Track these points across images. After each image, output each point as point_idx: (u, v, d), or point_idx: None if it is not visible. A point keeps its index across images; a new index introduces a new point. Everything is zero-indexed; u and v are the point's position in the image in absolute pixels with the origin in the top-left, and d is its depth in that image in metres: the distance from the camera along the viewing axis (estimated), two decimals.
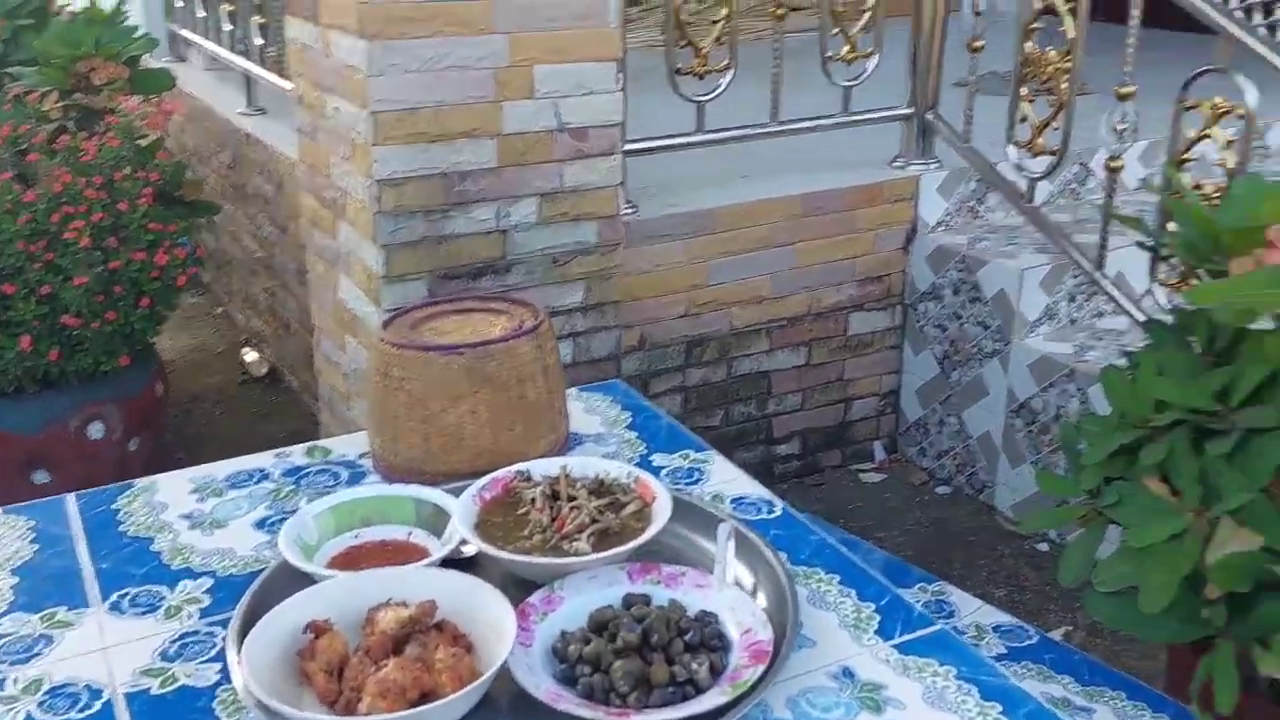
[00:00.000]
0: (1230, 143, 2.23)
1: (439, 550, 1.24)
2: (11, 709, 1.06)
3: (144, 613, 1.21)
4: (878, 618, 1.16)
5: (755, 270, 2.72)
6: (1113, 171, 2.47)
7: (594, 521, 1.22)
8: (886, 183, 2.82)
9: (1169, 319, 1.77)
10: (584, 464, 1.33)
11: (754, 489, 1.42)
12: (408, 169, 2.26)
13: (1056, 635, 2.06)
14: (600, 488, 1.29)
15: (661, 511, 1.23)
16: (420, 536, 1.29)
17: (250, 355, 3.65)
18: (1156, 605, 1.45)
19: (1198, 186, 2.23)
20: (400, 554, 1.26)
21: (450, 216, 2.33)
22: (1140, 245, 2.03)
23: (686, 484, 1.44)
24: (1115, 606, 1.55)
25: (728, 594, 1.15)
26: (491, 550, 1.19)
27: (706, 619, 1.11)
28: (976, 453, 2.80)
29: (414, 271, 2.33)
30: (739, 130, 2.77)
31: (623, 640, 1.06)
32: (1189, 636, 1.49)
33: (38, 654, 1.14)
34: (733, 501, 1.40)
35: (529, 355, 1.41)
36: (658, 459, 1.50)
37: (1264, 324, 1.54)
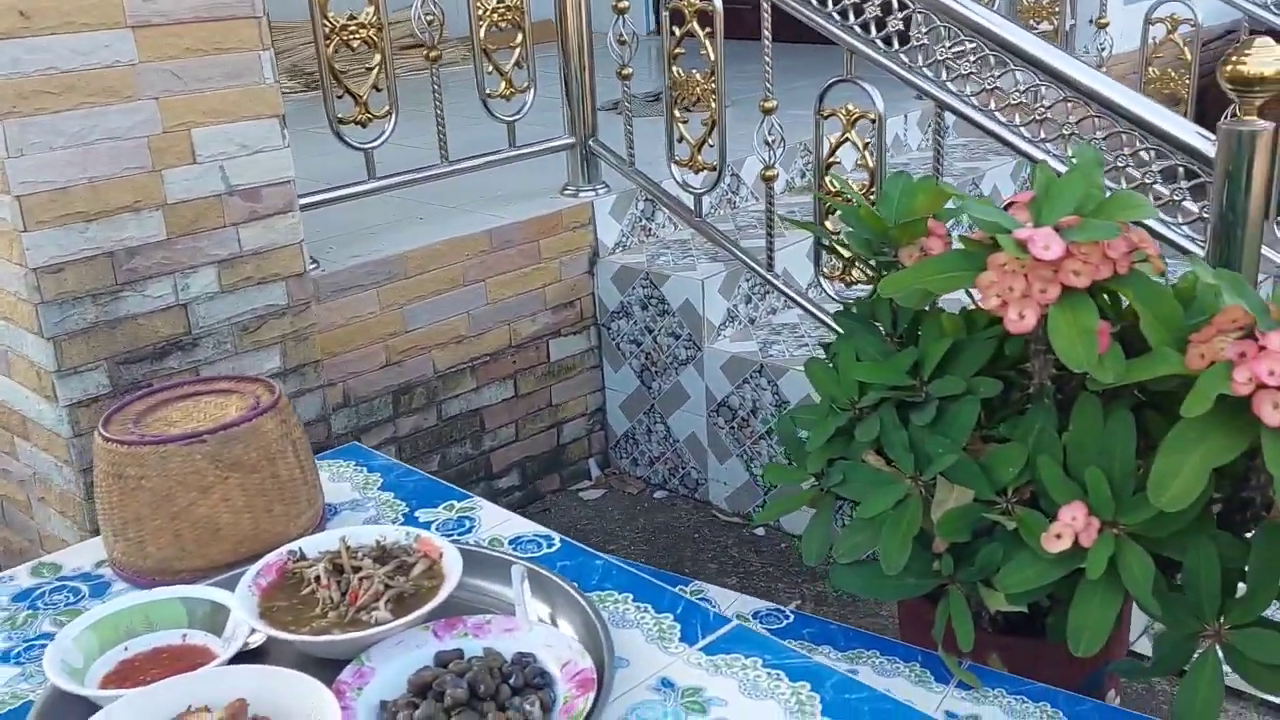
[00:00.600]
0: (866, 144, 2.48)
1: (226, 647, 1.18)
2: None
3: None
4: (678, 626, 1.22)
5: (451, 311, 2.73)
6: (769, 180, 2.67)
7: (387, 588, 1.21)
8: (565, 210, 2.91)
9: (849, 308, 1.95)
10: (358, 532, 1.31)
11: (528, 527, 1.45)
12: (66, 253, 2.10)
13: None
14: (383, 553, 1.27)
15: (452, 566, 1.24)
16: (198, 637, 1.22)
17: None
18: (896, 566, 1.61)
19: (838, 193, 2.46)
20: (181, 659, 1.19)
21: (122, 297, 2.18)
22: (819, 244, 2.22)
23: (459, 534, 1.44)
24: (857, 575, 1.70)
25: (539, 632, 1.17)
26: (287, 635, 1.15)
27: (524, 660, 1.13)
28: (685, 454, 2.95)
29: (90, 361, 2.16)
30: (410, 174, 2.77)
31: (450, 697, 1.06)
32: (923, 589, 1.66)
33: None
34: (511, 543, 1.42)
35: (275, 432, 1.37)
36: (422, 514, 1.49)
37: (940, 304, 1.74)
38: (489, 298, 2.79)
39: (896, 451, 1.69)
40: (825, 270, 2.58)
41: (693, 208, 2.86)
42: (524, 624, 1.19)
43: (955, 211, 1.80)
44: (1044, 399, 1.64)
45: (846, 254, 2.51)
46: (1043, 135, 2.27)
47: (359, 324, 2.58)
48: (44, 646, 1.18)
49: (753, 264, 2.75)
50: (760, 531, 2.81)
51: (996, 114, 2.30)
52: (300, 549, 1.28)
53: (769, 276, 2.74)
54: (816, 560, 1.76)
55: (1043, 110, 2.24)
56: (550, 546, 1.39)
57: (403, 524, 1.46)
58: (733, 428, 2.81)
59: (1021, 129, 2.28)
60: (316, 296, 2.40)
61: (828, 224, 2.53)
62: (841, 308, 2.58)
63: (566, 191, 3.00)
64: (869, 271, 2.50)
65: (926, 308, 1.78)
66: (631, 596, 1.28)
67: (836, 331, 2.62)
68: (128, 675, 1.17)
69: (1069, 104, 2.18)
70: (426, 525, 1.45)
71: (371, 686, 1.11)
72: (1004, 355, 1.71)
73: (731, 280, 2.85)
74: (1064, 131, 2.24)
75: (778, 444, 2.69)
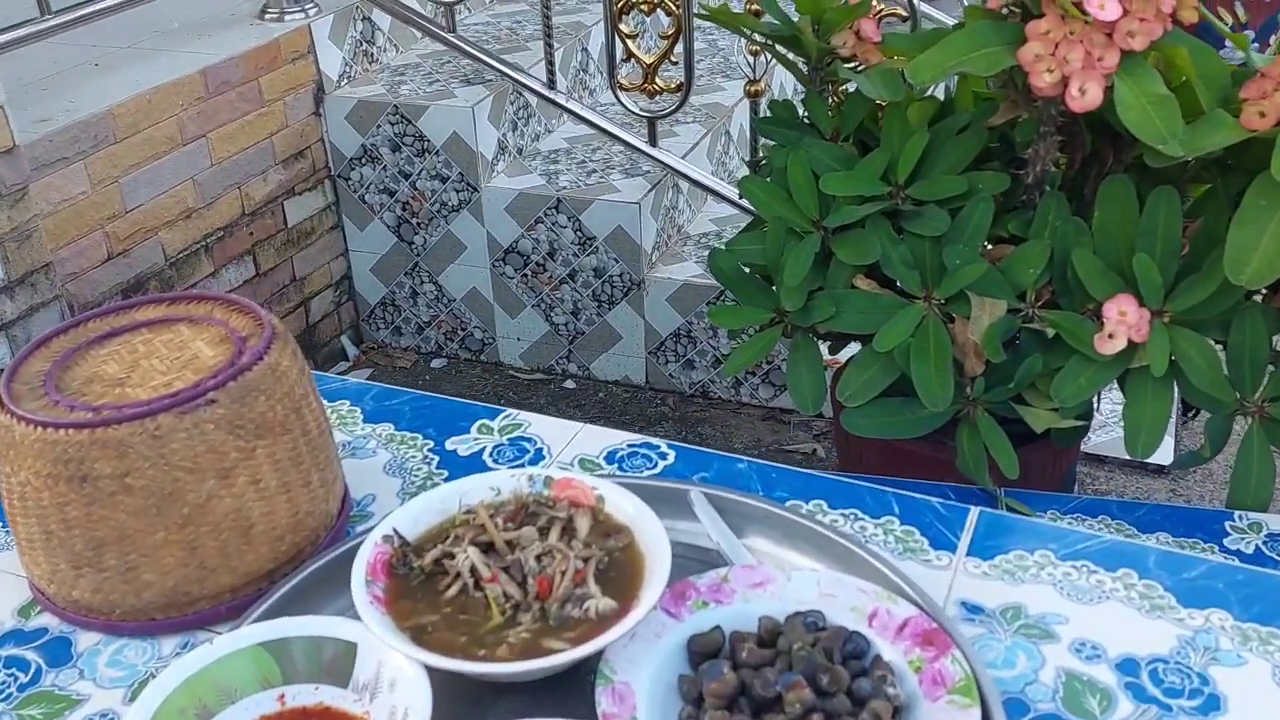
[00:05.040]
0: None
1: (366, 701, 0.79)
2: None
3: None
4: (915, 530, 0.98)
5: (174, 178, 2.15)
6: None
7: (585, 561, 0.86)
8: (282, 39, 2.35)
9: (777, 114, 1.70)
10: (464, 489, 0.92)
11: (618, 437, 1.11)
12: None
13: None
14: (524, 513, 0.90)
15: (637, 513, 0.90)
16: (307, 694, 0.82)
17: None
18: (940, 399, 1.43)
19: None
20: None
21: None
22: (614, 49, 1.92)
23: (517, 462, 1.08)
24: (871, 417, 1.51)
25: (802, 580, 0.88)
26: (501, 669, 0.78)
27: (814, 622, 0.84)
28: (465, 314, 2.58)
29: None
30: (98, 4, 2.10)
31: (799, 703, 0.76)
32: (945, 419, 1.50)
33: None
34: (609, 461, 1.08)
35: (293, 370, 0.93)
36: (453, 444, 1.10)
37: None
38: (213, 156, 2.22)
39: (898, 270, 1.49)
40: (623, 81, 2.27)
41: (444, 22, 2.41)
42: (773, 572, 0.88)
43: None
44: (1049, 188, 1.50)
45: (648, 60, 2.22)
46: None
47: (70, 209, 1.95)
48: None
49: (532, 81, 2.38)
50: (570, 385, 2.54)
51: None
52: (395, 530, 0.88)
53: (551, 94, 2.39)
54: (817, 408, 1.54)
55: None
56: (664, 459, 1.07)
57: (435, 465, 1.07)
58: (525, 275, 2.48)
59: None
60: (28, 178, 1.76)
61: (622, 25, 2.21)
62: (646, 123, 2.32)
63: (269, 14, 2.42)
64: (661, 83, 2.24)
65: (885, 101, 1.56)
66: (826, 504, 1.01)
67: (644, 153, 2.35)
68: None
69: None
70: (466, 459, 1.07)
71: (646, 710, 0.78)
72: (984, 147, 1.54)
73: (498, 106, 2.46)
74: None
75: (591, 289, 2.39)
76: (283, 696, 0.81)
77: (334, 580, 0.88)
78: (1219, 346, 1.43)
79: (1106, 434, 2.25)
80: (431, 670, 0.77)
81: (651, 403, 2.44)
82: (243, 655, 0.80)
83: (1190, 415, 1.59)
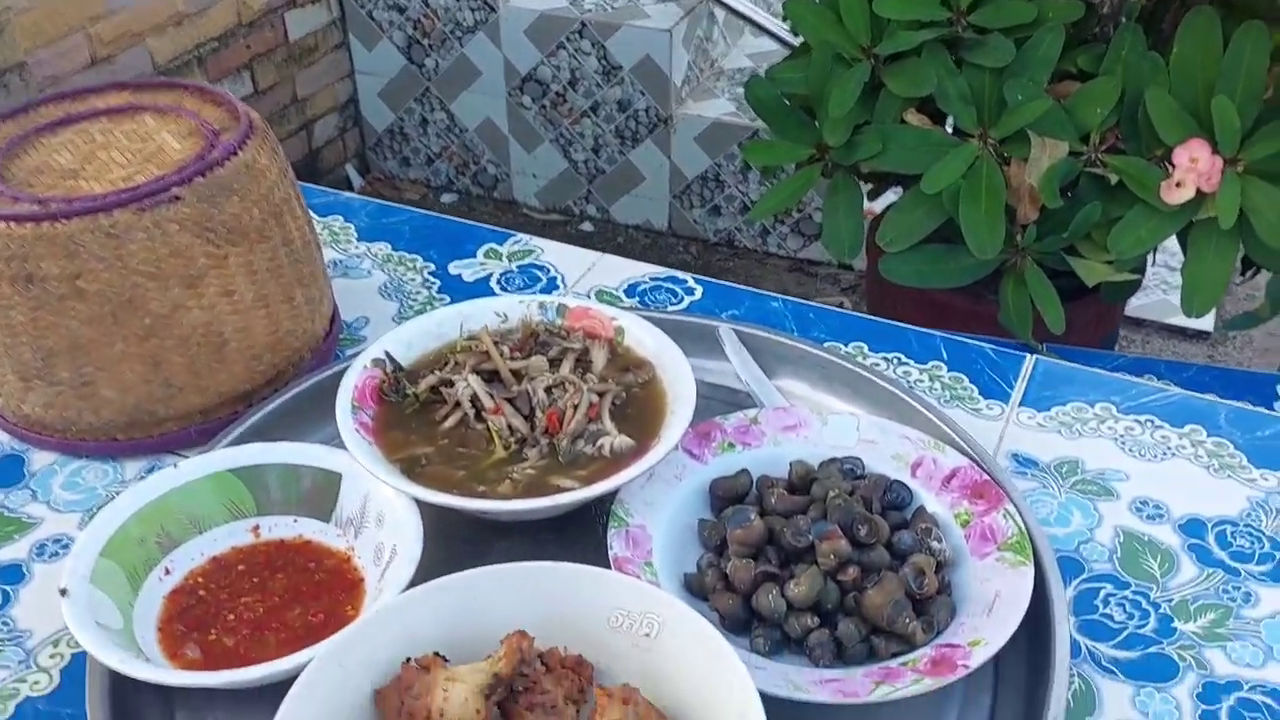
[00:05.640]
0: None
1: (350, 536, 0.71)
2: None
3: None
4: (964, 377, 0.88)
5: None
6: None
7: (600, 395, 0.76)
8: None
9: None
10: (468, 312, 0.83)
11: (638, 269, 1.00)
12: None
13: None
14: (533, 342, 0.81)
15: (658, 346, 0.80)
16: (286, 526, 0.73)
17: None
18: (989, 247, 1.32)
19: None
20: (288, 569, 0.71)
21: None
22: None
23: (528, 291, 0.98)
24: (912, 264, 1.40)
25: (839, 424, 0.78)
26: (503, 506, 0.69)
27: (855, 472, 0.74)
28: (478, 146, 2.45)
29: None
30: None
31: (832, 553, 0.67)
32: (989, 269, 1.39)
33: None
34: (629, 292, 0.98)
35: (274, 170, 0.82)
36: (463, 269, 1.00)
37: None
38: None
39: (954, 104, 1.36)
40: None
41: None
42: (807, 414, 0.79)
43: None
44: (1125, 19, 1.36)
45: None
46: None
47: (47, 6, 1.81)
48: None
49: None
50: (587, 227, 2.42)
51: None
52: (387, 353, 0.78)
53: None
54: (852, 254, 1.43)
55: None
56: (690, 295, 0.97)
57: (438, 287, 0.97)
58: (543, 107, 2.34)
59: None
60: None
61: None
62: None
63: None
64: None
65: None
66: (866, 347, 0.91)
67: None
68: (201, 620, 0.67)
69: None
70: (471, 285, 0.96)
71: (662, 556, 0.69)
72: None
73: None
74: None
75: (614, 125, 2.25)
76: (257, 528, 0.72)
77: (319, 407, 0.79)
78: None
79: (1146, 296, 2.14)
80: (424, 506, 0.69)
81: (673, 249, 2.33)
82: (211, 482, 0.72)
83: (1250, 274, 1.48)
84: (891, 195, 1.57)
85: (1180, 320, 2.11)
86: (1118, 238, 1.30)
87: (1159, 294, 2.15)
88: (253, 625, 0.67)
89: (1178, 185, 1.28)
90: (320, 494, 0.72)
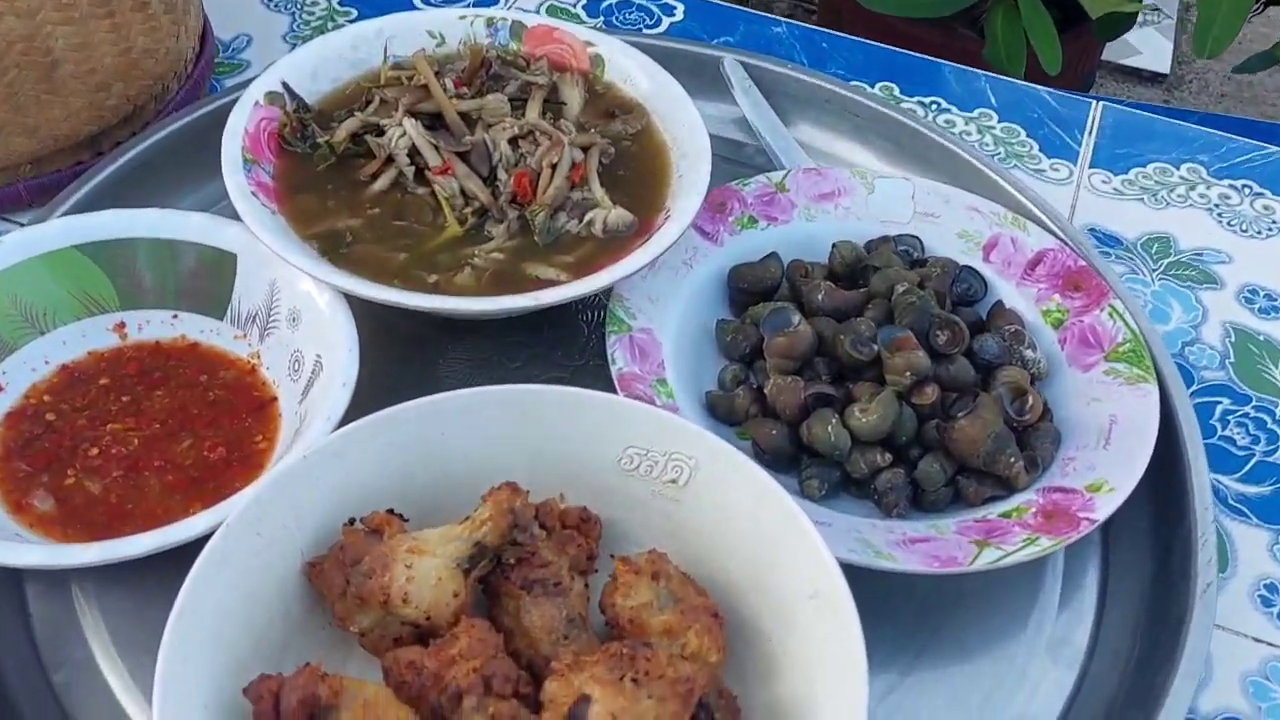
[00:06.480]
0: None
1: (254, 338, 0.53)
2: None
3: None
4: (1021, 129, 0.71)
5: None
6: None
7: (584, 150, 0.57)
8: None
9: None
10: (394, 31, 0.61)
11: None
12: None
13: None
14: (484, 73, 0.60)
15: (656, 85, 0.61)
16: (161, 325, 0.55)
17: None
18: None
19: None
20: (170, 385, 0.53)
21: None
22: None
23: (466, 4, 0.76)
24: None
25: (886, 190, 0.61)
26: (463, 305, 0.51)
27: (912, 255, 0.58)
28: None
29: None
30: None
31: (909, 367, 0.51)
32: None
33: None
34: (590, 10, 0.76)
35: None
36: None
37: None
38: None
39: None
40: None
41: None
42: (847, 178, 0.61)
43: None
44: None
45: None
46: None
47: None
48: None
49: None
50: None
51: None
52: (285, 84, 0.57)
53: None
54: None
55: None
56: (670, 15, 0.76)
57: (339, 1, 0.74)
58: None
59: None
60: None
61: None
62: None
63: None
64: None
65: None
66: (897, 88, 0.72)
67: None
68: (52, 455, 0.49)
69: None
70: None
71: (675, 371, 0.53)
72: None
73: None
74: None
75: None
76: (122, 326, 0.53)
77: (194, 157, 0.58)
78: None
79: None
80: (353, 300, 0.50)
81: None
82: (52, 261, 0.52)
83: (1266, 3, 1.32)
84: None
85: (1136, 61, 1.96)
86: None
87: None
88: (126, 463, 0.49)
89: None
90: (208, 281, 0.53)
